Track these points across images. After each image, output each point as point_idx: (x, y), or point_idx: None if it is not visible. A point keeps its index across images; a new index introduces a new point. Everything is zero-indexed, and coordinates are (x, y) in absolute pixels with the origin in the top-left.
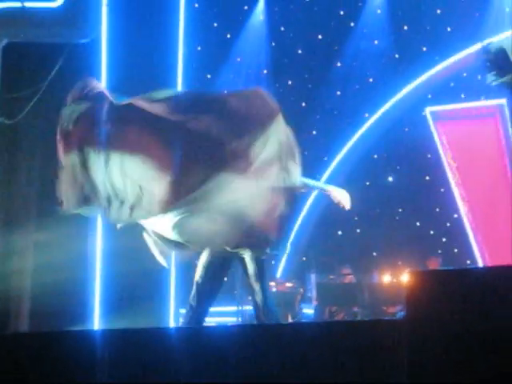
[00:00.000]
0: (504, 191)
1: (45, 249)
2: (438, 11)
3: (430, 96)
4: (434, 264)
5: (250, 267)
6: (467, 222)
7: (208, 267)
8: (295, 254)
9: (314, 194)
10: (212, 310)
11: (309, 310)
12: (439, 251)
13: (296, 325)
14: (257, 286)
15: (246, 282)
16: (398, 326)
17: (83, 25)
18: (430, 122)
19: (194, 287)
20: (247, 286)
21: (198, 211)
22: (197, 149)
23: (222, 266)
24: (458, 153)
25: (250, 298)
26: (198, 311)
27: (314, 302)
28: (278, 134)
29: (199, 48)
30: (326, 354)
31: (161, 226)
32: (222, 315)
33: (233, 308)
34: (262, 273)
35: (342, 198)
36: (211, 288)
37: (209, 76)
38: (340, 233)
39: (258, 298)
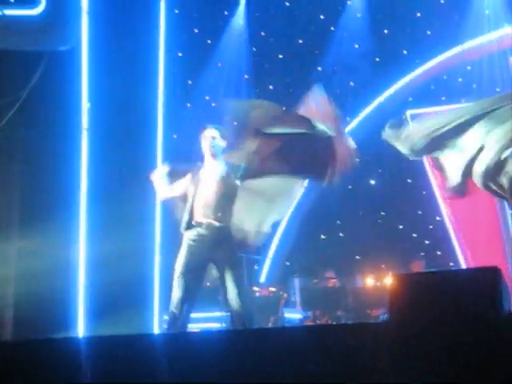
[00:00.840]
0: (486, 192)
1: (28, 256)
2: (418, 14)
3: (410, 99)
4: (418, 267)
5: (229, 271)
6: (449, 224)
7: (185, 274)
8: (278, 258)
9: (296, 198)
10: (196, 315)
11: (291, 315)
12: (422, 254)
13: (280, 329)
14: (234, 290)
15: (223, 286)
16: (381, 328)
17: (64, 32)
18: None
19: (175, 294)
20: (224, 289)
21: None
22: None
23: (198, 272)
24: None
25: (227, 301)
26: (180, 318)
27: (298, 307)
28: None
29: (180, 54)
30: (310, 358)
31: None
32: (206, 321)
33: (217, 314)
34: (240, 277)
35: None
36: (190, 294)
37: (190, 82)
38: (323, 237)
39: (236, 302)
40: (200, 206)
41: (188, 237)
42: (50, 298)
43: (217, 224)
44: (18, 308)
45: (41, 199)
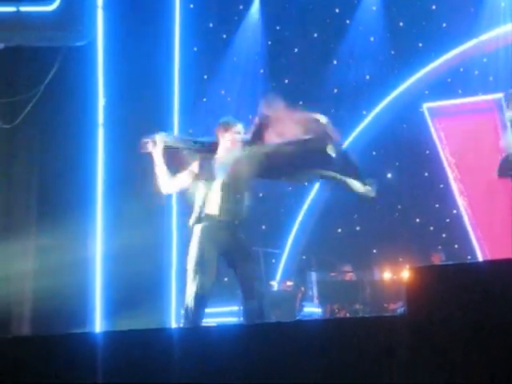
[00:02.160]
0: (502, 185)
1: (45, 252)
2: (433, 7)
3: (427, 92)
4: (436, 260)
5: (244, 265)
6: (466, 218)
7: (198, 268)
8: (295, 252)
9: (312, 192)
10: (213, 310)
11: (311, 309)
12: (439, 247)
13: (297, 323)
14: (249, 284)
15: (239, 280)
16: (399, 322)
17: (79, 28)
18: (428, 118)
19: (189, 289)
20: (239, 283)
21: None
22: None
23: (211, 266)
24: (456, 148)
25: (242, 295)
26: (194, 313)
27: (315, 301)
28: None
29: (195, 49)
30: (328, 352)
31: None
32: (223, 315)
33: (234, 308)
34: (254, 271)
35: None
36: (204, 288)
37: (205, 76)
38: (340, 230)
39: (251, 296)
40: (213, 198)
41: (199, 230)
42: (68, 293)
43: (231, 217)
44: (36, 303)
45: (58, 195)
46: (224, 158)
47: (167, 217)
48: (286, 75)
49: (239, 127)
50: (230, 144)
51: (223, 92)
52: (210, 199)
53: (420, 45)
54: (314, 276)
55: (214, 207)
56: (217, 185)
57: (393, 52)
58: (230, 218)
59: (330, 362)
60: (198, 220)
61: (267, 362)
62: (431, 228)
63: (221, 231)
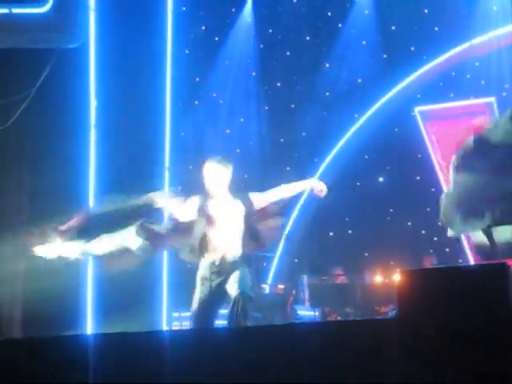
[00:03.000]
0: None
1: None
2: (426, 11)
3: (418, 96)
4: (427, 263)
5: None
6: None
7: (204, 309)
8: (287, 255)
9: (304, 196)
10: None
11: (302, 312)
12: (431, 251)
13: (289, 326)
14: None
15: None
16: (390, 324)
17: (71, 30)
18: (420, 122)
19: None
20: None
21: None
22: None
23: (217, 306)
24: (448, 152)
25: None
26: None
27: (307, 304)
28: None
29: (187, 51)
30: (319, 354)
31: None
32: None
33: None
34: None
35: (323, 187)
36: (211, 320)
37: (197, 79)
38: (331, 234)
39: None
40: (214, 240)
41: (203, 271)
42: (59, 295)
43: (234, 258)
44: (27, 305)
45: (49, 196)
46: (219, 198)
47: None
48: (278, 78)
49: (214, 165)
50: (210, 182)
51: (215, 95)
52: (212, 241)
53: (412, 48)
54: (305, 279)
55: (218, 249)
56: (219, 227)
57: (385, 55)
58: (234, 258)
59: (321, 364)
60: (202, 259)
61: (259, 364)
62: (423, 231)
63: (224, 271)
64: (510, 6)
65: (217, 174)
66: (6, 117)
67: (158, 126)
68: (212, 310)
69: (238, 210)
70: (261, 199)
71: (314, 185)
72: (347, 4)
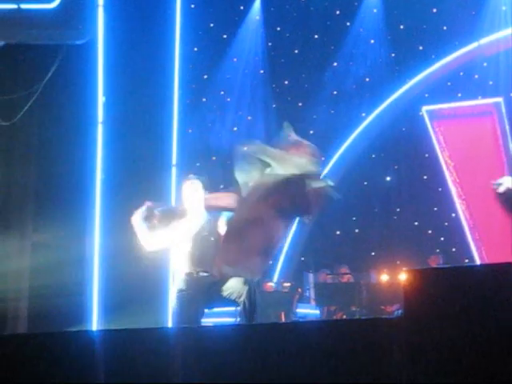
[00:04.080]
0: None
1: (42, 250)
2: (434, 10)
3: (426, 95)
4: (434, 263)
5: None
6: (465, 221)
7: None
8: (293, 253)
9: None
10: (210, 310)
11: (306, 310)
12: (437, 250)
13: (294, 324)
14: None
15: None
16: (396, 324)
17: (79, 26)
18: (427, 121)
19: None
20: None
21: None
22: None
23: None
24: (455, 152)
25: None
26: None
27: (312, 302)
28: None
29: (196, 49)
30: (324, 353)
31: None
32: (220, 316)
33: (231, 308)
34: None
35: None
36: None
37: (205, 76)
38: (338, 232)
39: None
40: (195, 257)
41: (184, 287)
42: (65, 292)
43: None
44: (33, 301)
45: (56, 192)
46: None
47: None
48: (285, 76)
49: (193, 183)
50: (186, 199)
51: (223, 92)
52: (193, 257)
53: (420, 48)
54: (311, 277)
55: (198, 265)
56: (197, 243)
57: (393, 55)
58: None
59: (326, 363)
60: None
61: (264, 362)
62: (429, 231)
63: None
64: None
65: (192, 190)
66: (13, 112)
67: (165, 123)
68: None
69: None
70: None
71: None
72: (356, 3)
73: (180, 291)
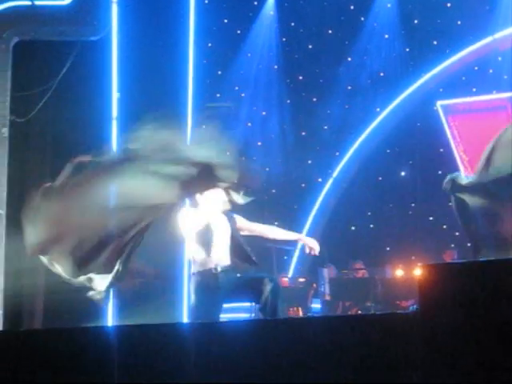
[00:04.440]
0: None
1: None
2: (448, 4)
3: (441, 90)
4: (449, 258)
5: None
6: None
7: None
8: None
9: (325, 190)
10: (225, 306)
11: (317, 305)
12: (452, 245)
13: (309, 319)
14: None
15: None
16: (411, 319)
17: (93, 22)
18: (442, 116)
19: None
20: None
21: None
22: None
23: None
24: (470, 146)
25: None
26: None
27: (327, 297)
28: None
29: (210, 44)
30: (340, 348)
31: None
32: (236, 311)
33: (246, 304)
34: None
35: (314, 245)
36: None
37: (220, 72)
38: (353, 228)
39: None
40: (214, 252)
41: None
42: (80, 287)
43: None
44: (48, 297)
45: None
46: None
47: None
48: (300, 72)
49: None
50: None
51: (237, 88)
52: (216, 252)
53: (435, 42)
54: (325, 273)
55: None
56: (220, 237)
57: (407, 49)
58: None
59: (341, 358)
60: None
61: (278, 357)
62: (444, 226)
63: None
64: None
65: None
66: (28, 109)
67: (180, 119)
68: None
69: (224, 226)
70: (244, 225)
71: (307, 242)
72: None
73: (199, 287)
